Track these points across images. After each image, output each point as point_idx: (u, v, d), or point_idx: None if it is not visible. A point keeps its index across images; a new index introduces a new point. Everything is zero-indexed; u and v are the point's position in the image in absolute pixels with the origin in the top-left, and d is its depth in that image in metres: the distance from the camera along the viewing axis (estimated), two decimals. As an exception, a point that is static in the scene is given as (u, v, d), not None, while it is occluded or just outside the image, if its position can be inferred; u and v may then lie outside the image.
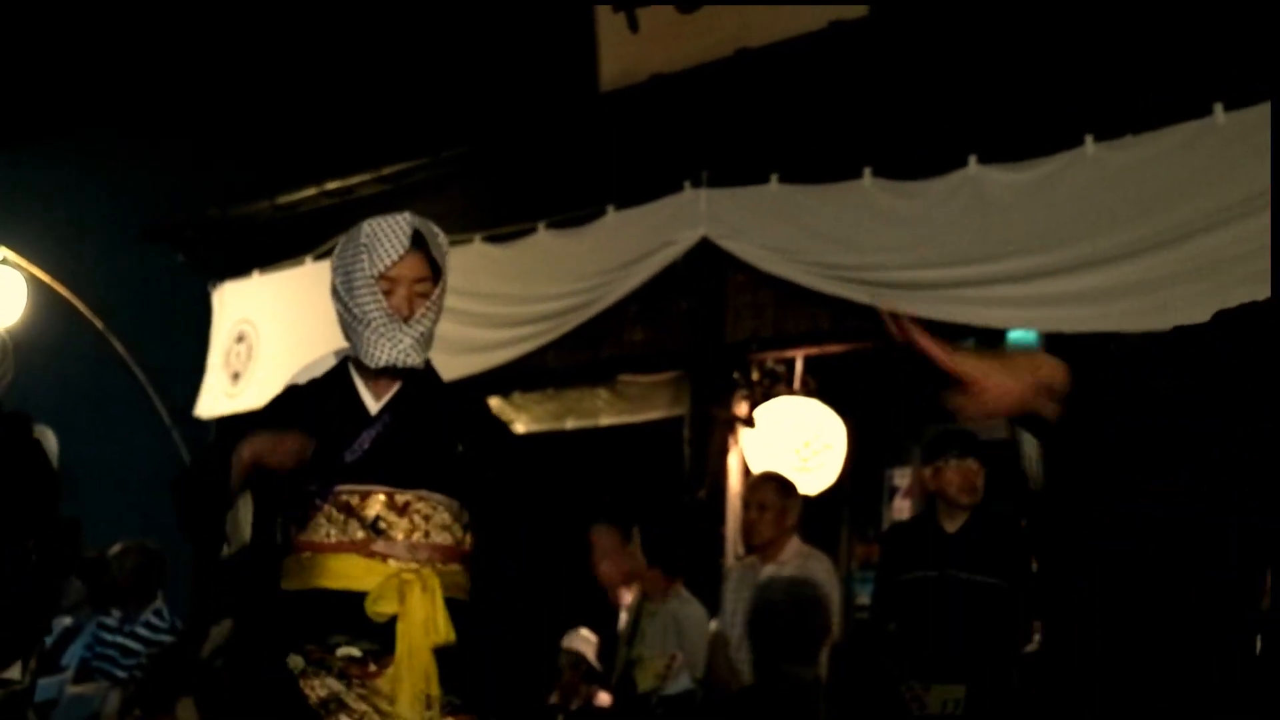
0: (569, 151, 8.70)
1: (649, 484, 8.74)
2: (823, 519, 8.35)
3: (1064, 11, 6.78)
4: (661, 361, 8.44)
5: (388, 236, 3.50)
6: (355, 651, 3.39)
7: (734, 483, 7.95)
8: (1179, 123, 6.33)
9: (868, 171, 7.31)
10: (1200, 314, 6.28)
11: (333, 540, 3.44)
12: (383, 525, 3.42)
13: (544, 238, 8.55)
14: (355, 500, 3.44)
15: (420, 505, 3.45)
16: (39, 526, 4.59)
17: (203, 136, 12.64)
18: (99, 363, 10.72)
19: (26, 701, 4.58)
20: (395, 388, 3.56)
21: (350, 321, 3.53)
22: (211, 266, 10.95)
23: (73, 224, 12.45)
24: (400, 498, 3.44)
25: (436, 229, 3.58)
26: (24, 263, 9.71)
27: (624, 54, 8.43)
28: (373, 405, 3.55)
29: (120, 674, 7.82)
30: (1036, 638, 6.53)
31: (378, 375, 3.55)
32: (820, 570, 6.82)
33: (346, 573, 3.42)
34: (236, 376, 10.36)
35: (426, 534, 3.45)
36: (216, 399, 10.52)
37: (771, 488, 6.91)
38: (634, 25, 8.40)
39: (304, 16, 11.24)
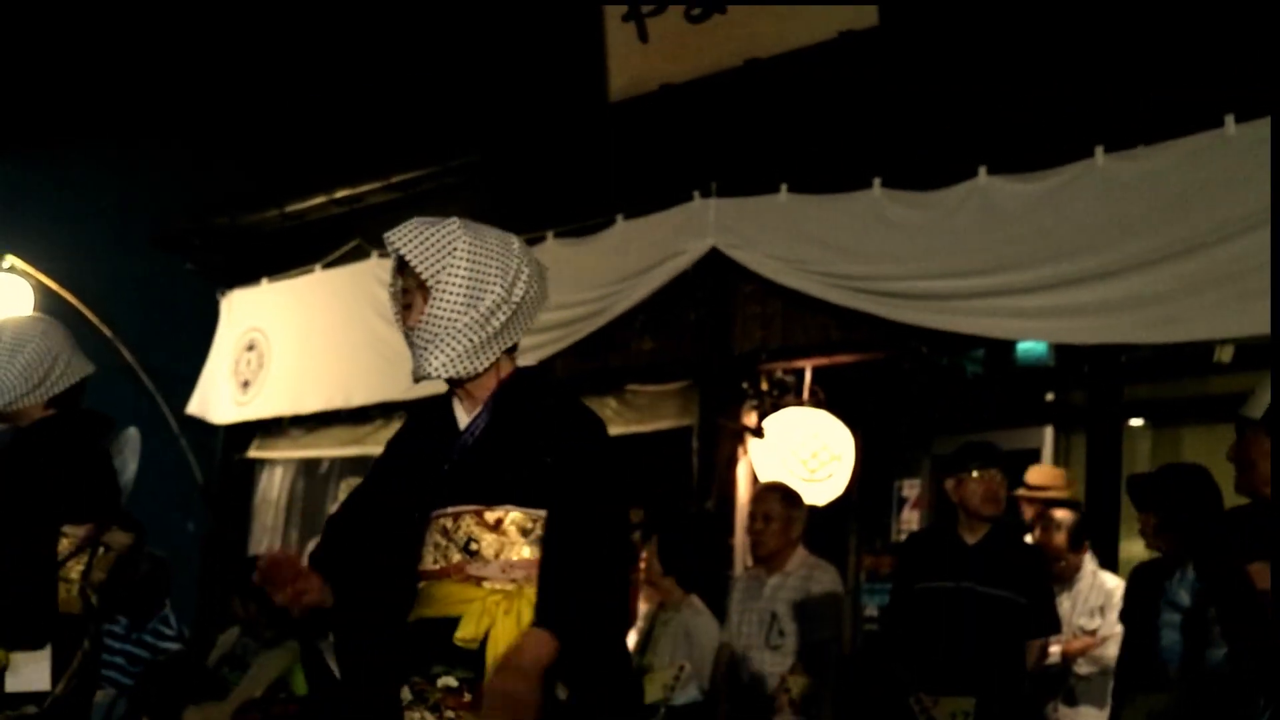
0: (578, 161, 8.69)
1: (657, 494, 8.74)
2: (831, 530, 8.34)
3: (1074, 22, 6.77)
4: (670, 371, 8.43)
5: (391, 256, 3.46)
6: (452, 681, 3.31)
7: (742, 493, 7.93)
8: (1190, 134, 6.31)
9: (877, 181, 7.29)
10: (1211, 326, 6.29)
11: (438, 567, 3.38)
12: (474, 546, 3.34)
13: (552, 247, 8.53)
14: (449, 523, 3.38)
15: (512, 522, 3.35)
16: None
17: (211, 144, 12.65)
18: (106, 370, 10.70)
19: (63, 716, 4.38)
20: (483, 402, 3.46)
21: None
22: (220, 274, 10.97)
23: (80, 231, 12.45)
24: (490, 515, 3.35)
25: (423, 229, 3.40)
26: (31, 269, 9.70)
27: (633, 64, 8.42)
28: (463, 422, 3.47)
29: (127, 681, 7.82)
30: (1053, 650, 6.52)
31: (463, 391, 3.48)
32: (827, 580, 6.82)
33: (445, 598, 3.35)
34: (246, 384, 10.36)
35: (522, 551, 3.35)
36: (225, 406, 10.52)
37: (776, 498, 6.91)
38: (643, 35, 8.39)
39: (313, 24, 11.25)
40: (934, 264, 7.06)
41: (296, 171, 10.70)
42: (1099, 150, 6.57)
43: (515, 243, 3.49)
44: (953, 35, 7.14)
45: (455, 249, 3.37)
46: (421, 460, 3.46)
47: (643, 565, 8.31)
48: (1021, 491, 7.67)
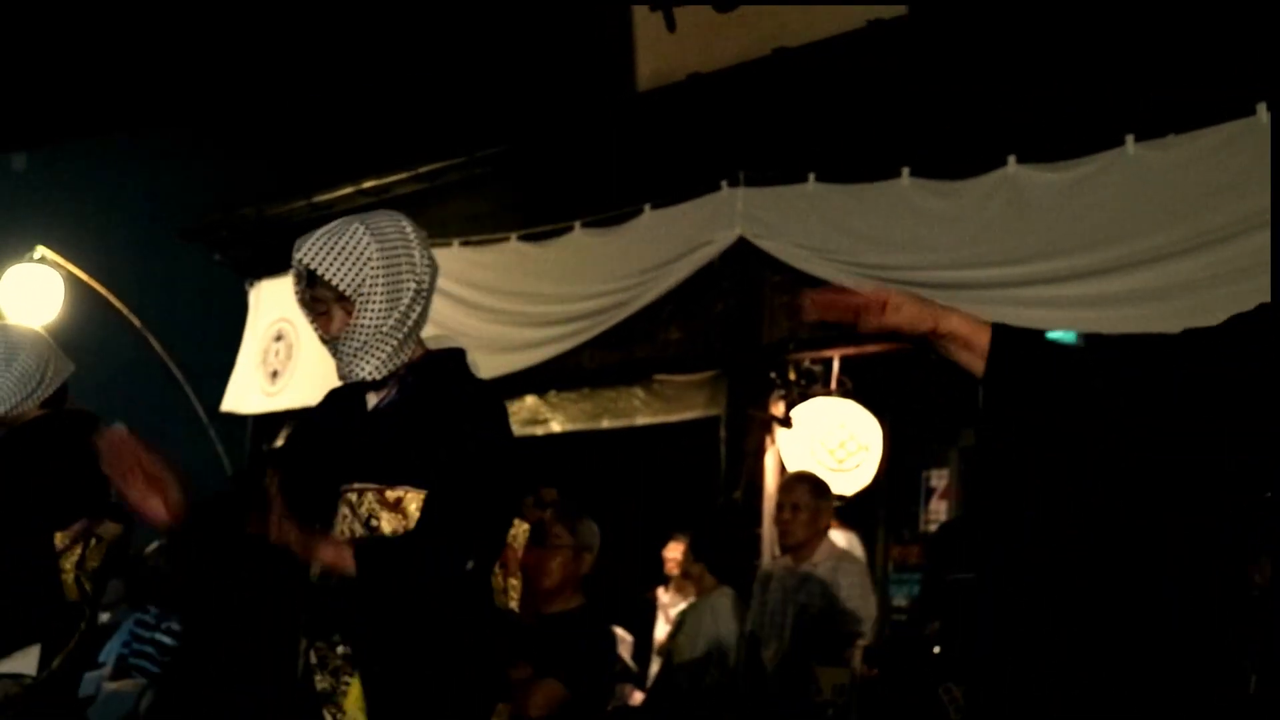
0: (605, 151, 8.69)
1: (686, 484, 8.75)
2: (859, 520, 8.33)
3: (1104, 9, 6.73)
4: (698, 361, 8.42)
5: (295, 268, 3.49)
6: (351, 650, 3.41)
7: (770, 483, 7.92)
8: (1221, 122, 6.27)
9: (905, 171, 7.27)
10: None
11: (344, 539, 3.45)
12: (375, 522, 3.42)
13: (580, 237, 8.54)
14: (354, 498, 3.47)
15: (410, 500, 3.43)
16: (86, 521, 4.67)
17: (238, 136, 12.69)
18: (135, 361, 10.77)
19: (45, 700, 4.57)
20: (395, 386, 3.55)
21: None
22: (247, 265, 10.99)
23: (109, 223, 12.51)
24: (391, 494, 3.43)
25: (333, 242, 3.43)
26: (61, 261, 9.73)
27: (661, 53, 8.42)
28: (372, 401, 3.57)
29: (157, 670, 7.85)
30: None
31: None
32: (854, 571, 6.81)
33: None
34: (275, 375, 10.39)
35: None
36: (254, 397, 10.55)
37: (804, 488, 6.90)
38: (671, 24, 8.39)
39: (341, 16, 11.26)
40: (963, 253, 7.04)
41: (324, 162, 10.72)
42: (1129, 139, 6.55)
43: (408, 227, 3.54)
44: (981, 23, 7.12)
45: (369, 257, 3.43)
46: (332, 435, 3.56)
47: (675, 560, 8.32)
48: None
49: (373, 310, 3.44)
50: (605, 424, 8.99)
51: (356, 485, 3.47)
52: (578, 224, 8.55)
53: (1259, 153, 6.11)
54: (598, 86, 8.86)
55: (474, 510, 3.40)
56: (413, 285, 3.49)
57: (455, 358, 3.62)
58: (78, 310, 9.88)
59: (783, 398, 7.98)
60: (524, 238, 8.81)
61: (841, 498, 7.44)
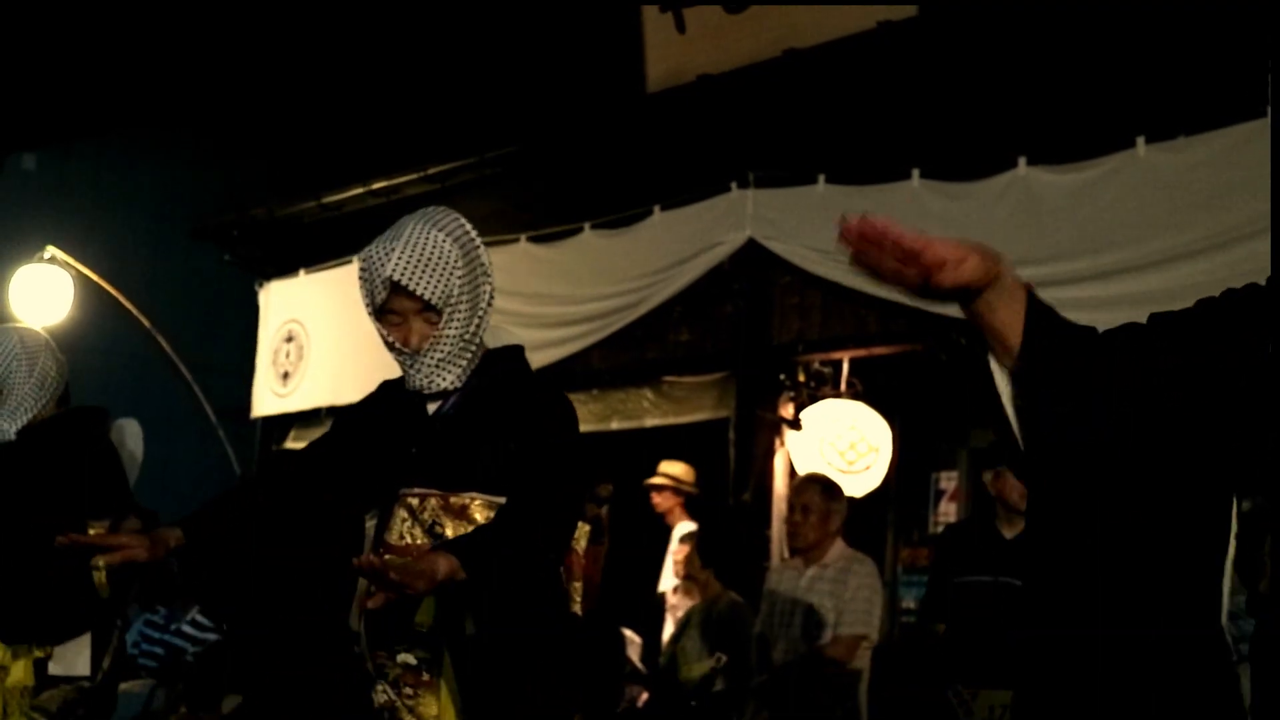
0: (615, 152, 8.68)
1: (695, 485, 8.74)
2: (868, 522, 8.32)
3: (1114, 10, 6.72)
4: (707, 363, 8.41)
5: (367, 280, 3.42)
6: (411, 659, 3.35)
7: (779, 485, 7.91)
8: (1232, 124, 6.26)
9: (916, 173, 7.26)
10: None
11: (404, 543, 3.40)
12: (439, 529, 3.36)
13: (590, 238, 8.54)
14: (415, 503, 3.40)
15: (476, 508, 3.37)
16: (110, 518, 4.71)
17: (248, 136, 12.70)
18: (145, 361, 10.79)
19: (100, 700, 4.65)
20: (455, 391, 3.49)
21: None
22: (258, 266, 11.00)
23: (120, 223, 12.53)
24: (455, 500, 3.38)
25: (419, 254, 3.36)
26: (71, 261, 9.75)
27: (671, 54, 8.42)
28: (431, 408, 3.50)
29: (166, 671, 7.86)
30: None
31: None
32: (864, 573, 6.80)
33: None
34: (286, 376, 10.40)
35: None
36: (265, 398, 10.56)
37: (816, 490, 6.89)
38: (681, 26, 8.38)
39: (352, 16, 11.27)
40: (973, 255, 7.01)
41: (333, 163, 10.73)
42: (1140, 141, 6.54)
43: (468, 226, 3.47)
44: (991, 25, 7.10)
45: (454, 265, 3.38)
46: (387, 435, 3.50)
47: (680, 560, 8.32)
48: (657, 479, 8.48)
49: (459, 320, 3.39)
50: (614, 425, 8.98)
51: (418, 490, 3.41)
52: (587, 225, 8.55)
53: (1269, 154, 6.08)
54: (608, 87, 8.86)
55: (551, 506, 3.33)
56: (488, 289, 3.45)
57: (514, 355, 3.56)
58: (87, 310, 9.91)
59: (792, 399, 7.97)
60: (533, 239, 8.81)
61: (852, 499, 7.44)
